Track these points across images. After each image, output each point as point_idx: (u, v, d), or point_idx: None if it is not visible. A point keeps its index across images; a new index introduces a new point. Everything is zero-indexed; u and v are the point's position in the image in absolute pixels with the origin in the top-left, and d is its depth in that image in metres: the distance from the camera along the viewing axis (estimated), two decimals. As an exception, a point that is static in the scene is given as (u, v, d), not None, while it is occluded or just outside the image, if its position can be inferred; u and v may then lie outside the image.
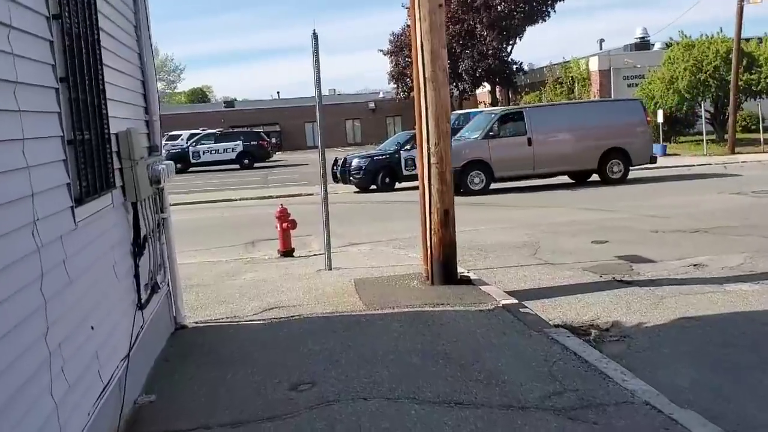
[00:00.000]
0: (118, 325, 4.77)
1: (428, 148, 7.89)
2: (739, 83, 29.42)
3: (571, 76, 42.63)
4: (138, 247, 5.46)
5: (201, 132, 43.15)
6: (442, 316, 6.84)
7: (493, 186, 19.40)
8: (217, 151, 39.36)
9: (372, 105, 60.91)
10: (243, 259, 10.94)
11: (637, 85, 36.04)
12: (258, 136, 41.31)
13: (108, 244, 4.78)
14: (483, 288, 7.87)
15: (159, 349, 6.18)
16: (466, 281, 8.15)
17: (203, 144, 39.75)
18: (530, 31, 50.44)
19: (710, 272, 8.51)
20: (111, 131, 4.86)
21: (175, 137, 45.45)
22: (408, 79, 47.45)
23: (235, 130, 44.36)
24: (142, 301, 5.44)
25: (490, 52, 46.28)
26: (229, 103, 66.33)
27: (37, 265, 3.27)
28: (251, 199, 21.95)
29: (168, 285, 6.75)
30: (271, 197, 21.11)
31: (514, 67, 48.73)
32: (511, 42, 48.42)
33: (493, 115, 20.56)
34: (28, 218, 3.23)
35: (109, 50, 5.05)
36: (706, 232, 11.21)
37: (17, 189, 3.14)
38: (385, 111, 59.26)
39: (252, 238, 13.24)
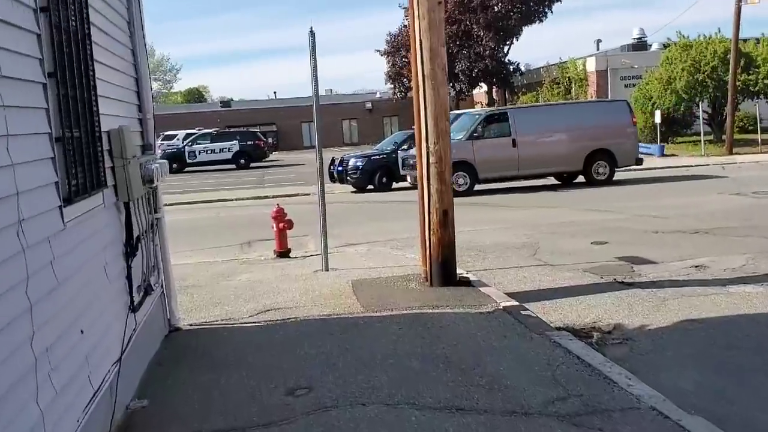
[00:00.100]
0: (109, 328, 4.64)
1: (427, 148, 7.77)
2: (737, 84, 29.37)
3: (568, 77, 42.57)
4: (130, 248, 5.34)
5: (197, 132, 42.97)
6: (442, 318, 6.71)
7: (477, 187, 19.28)
8: (213, 150, 39.20)
9: (369, 105, 60.79)
10: (238, 259, 10.81)
11: (634, 85, 35.99)
12: (254, 136, 41.16)
13: (99, 244, 4.65)
14: (482, 289, 7.75)
15: (152, 352, 6.05)
16: (466, 282, 8.03)
17: (199, 144, 39.59)
18: (527, 31, 50.23)
19: (712, 273, 8.40)
20: (102, 129, 4.73)
21: (171, 137, 45.29)
22: (405, 80, 47.43)
23: (232, 130, 44.19)
24: (135, 303, 5.31)
25: (487, 52, 46.19)
26: (226, 103, 66.15)
27: (22, 267, 3.13)
28: (247, 199, 21.81)
29: (162, 286, 6.62)
30: (267, 197, 20.97)
31: (511, 67, 48.66)
32: (507, 42, 48.32)
33: (477, 116, 20.41)
34: (12, 218, 3.10)
35: (100, 46, 4.92)
36: (707, 233, 11.11)
37: (1, 187, 3.01)
38: (382, 111, 59.13)
39: (248, 238, 13.10)
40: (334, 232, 9.94)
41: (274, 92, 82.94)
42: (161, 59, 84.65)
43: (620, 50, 45.03)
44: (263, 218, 13.05)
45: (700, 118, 31.67)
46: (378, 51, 50.16)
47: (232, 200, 21.92)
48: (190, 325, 7.04)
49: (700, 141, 30.20)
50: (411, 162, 20.01)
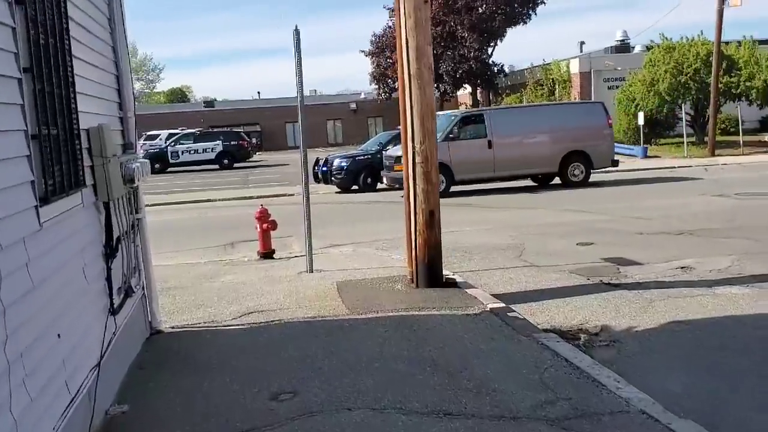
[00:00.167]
0: (88, 331, 4.51)
1: (413, 147, 7.70)
2: (719, 86, 29.58)
3: (552, 79, 42.68)
4: (110, 249, 5.22)
5: (180, 132, 42.62)
6: (428, 320, 6.63)
7: (453, 189, 19.21)
8: (196, 151, 38.89)
9: (353, 105, 60.67)
10: (222, 260, 10.68)
11: (617, 87, 36.12)
12: (238, 136, 40.89)
13: (78, 246, 4.52)
14: (469, 291, 7.68)
15: (133, 355, 5.92)
16: (452, 284, 7.96)
17: (182, 144, 39.26)
18: (511, 33, 50.37)
19: (698, 275, 8.39)
20: (81, 127, 4.60)
21: (154, 137, 44.93)
22: (389, 80, 47.35)
23: (215, 130, 43.88)
24: (115, 305, 5.18)
25: (471, 54, 46.22)
26: (209, 103, 65.71)
27: (-5, 269, 3.01)
28: (231, 199, 21.62)
29: (143, 288, 6.50)
30: (251, 198, 20.79)
31: (495, 69, 48.71)
32: (492, 44, 48.38)
33: (453, 118, 20.32)
34: (-15, 218, 2.98)
35: (79, 41, 4.79)
36: (691, 234, 11.12)
37: (-28, 186, 2.89)
38: (366, 112, 59.02)
39: (231, 239, 12.95)
40: (318, 232, 9.84)
41: (258, 92, 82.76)
42: (144, 59, 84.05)
43: (603, 52, 45.22)
44: (247, 219, 12.89)
45: (683, 120, 31.84)
46: (363, 52, 50.01)
47: (215, 201, 21.71)
48: (173, 327, 6.91)
49: (682, 143, 30.38)
50: (387, 163, 19.93)
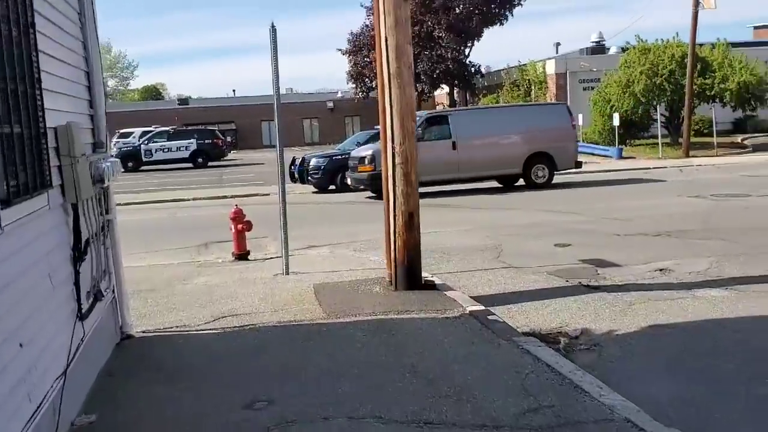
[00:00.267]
0: (54, 338, 4.32)
1: (393, 148, 7.58)
2: (694, 88, 29.85)
3: (528, 79, 42.82)
4: (79, 252, 5.02)
5: (153, 130, 42.08)
6: (408, 324, 6.51)
7: (419, 190, 19.02)
8: (170, 149, 38.43)
9: (330, 104, 60.38)
10: (195, 262, 10.47)
11: (593, 88, 36.33)
12: (212, 135, 40.47)
13: (43, 249, 4.33)
14: (448, 293, 7.57)
15: (102, 361, 5.72)
16: (431, 286, 7.85)
17: (156, 142, 38.78)
18: (488, 33, 50.49)
19: (677, 277, 8.37)
20: (48, 125, 4.41)
21: (127, 135, 44.37)
22: (367, 79, 47.19)
23: (189, 128, 43.38)
24: (83, 310, 4.99)
25: (449, 54, 46.27)
26: (183, 100, 65.02)
27: (-50, 277, 2.83)
28: (204, 199, 21.32)
29: (113, 292, 6.29)
30: (225, 197, 20.52)
31: (472, 69, 48.81)
32: (469, 44, 48.48)
33: (417, 119, 20.20)
34: (-61, 222, 2.79)
35: (46, 36, 4.59)
36: (669, 236, 11.14)
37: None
38: (343, 111, 58.76)
39: (205, 240, 12.70)
40: (294, 233, 9.65)
41: (233, 90, 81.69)
42: (118, 56, 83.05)
43: (579, 53, 45.47)
44: (221, 219, 12.69)
45: (658, 121, 32.10)
46: (340, 50, 49.81)
47: (188, 200, 21.40)
48: (144, 332, 6.71)
49: (657, 144, 30.63)
50: (351, 164, 19.71)
